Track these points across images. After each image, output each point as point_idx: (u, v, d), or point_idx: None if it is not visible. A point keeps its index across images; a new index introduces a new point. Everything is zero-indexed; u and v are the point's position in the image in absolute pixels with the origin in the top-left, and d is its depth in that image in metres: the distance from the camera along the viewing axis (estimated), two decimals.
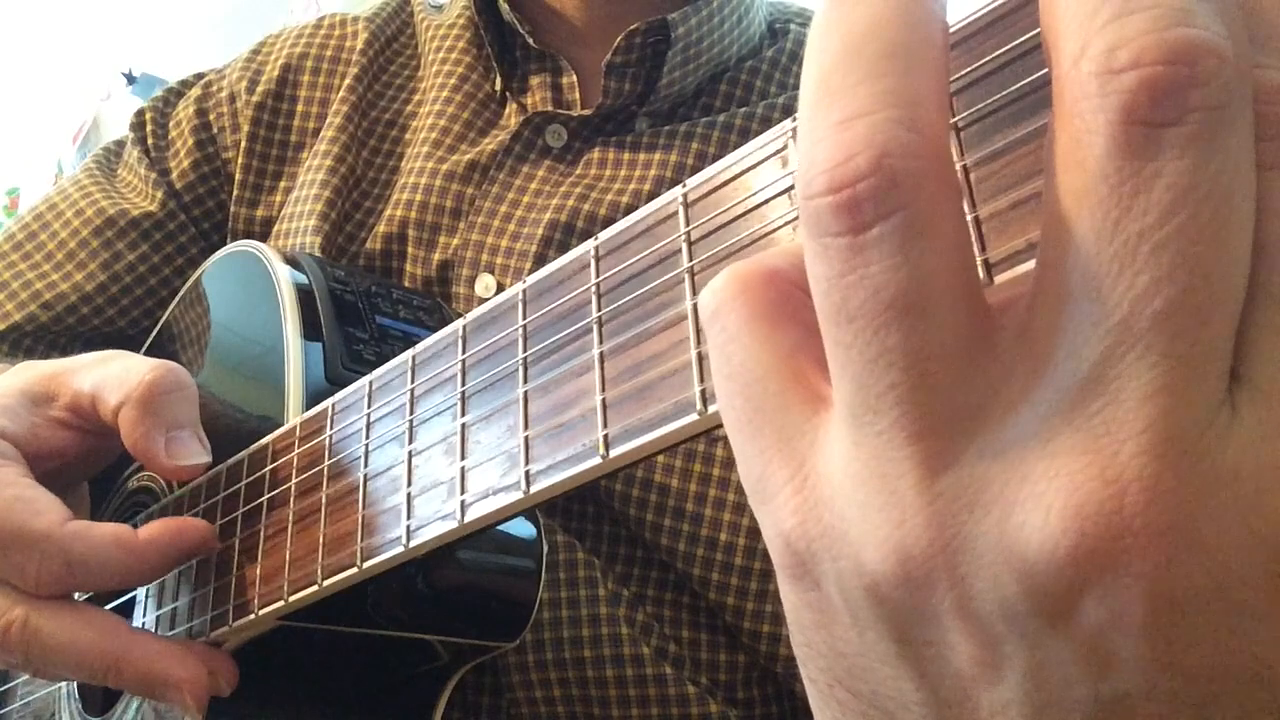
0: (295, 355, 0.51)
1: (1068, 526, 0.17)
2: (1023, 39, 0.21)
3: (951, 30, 0.22)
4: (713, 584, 0.57)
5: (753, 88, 0.68)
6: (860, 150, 0.18)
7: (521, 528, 0.52)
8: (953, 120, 0.22)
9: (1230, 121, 0.16)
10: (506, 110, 0.70)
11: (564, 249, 0.61)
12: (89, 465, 0.53)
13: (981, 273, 0.20)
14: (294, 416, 0.49)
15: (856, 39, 0.19)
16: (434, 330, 0.40)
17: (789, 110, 0.66)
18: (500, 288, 0.62)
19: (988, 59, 0.21)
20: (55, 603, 0.45)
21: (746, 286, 0.21)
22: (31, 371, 0.51)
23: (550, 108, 0.67)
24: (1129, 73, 0.16)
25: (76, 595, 0.57)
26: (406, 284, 0.64)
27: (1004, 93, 0.21)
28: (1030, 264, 0.20)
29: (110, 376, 0.48)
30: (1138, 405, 0.16)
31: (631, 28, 0.64)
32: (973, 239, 0.20)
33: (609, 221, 0.61)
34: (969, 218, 0.21)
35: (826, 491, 0.20)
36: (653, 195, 0.61)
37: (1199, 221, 0.16)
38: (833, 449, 0.20)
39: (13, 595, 0.45)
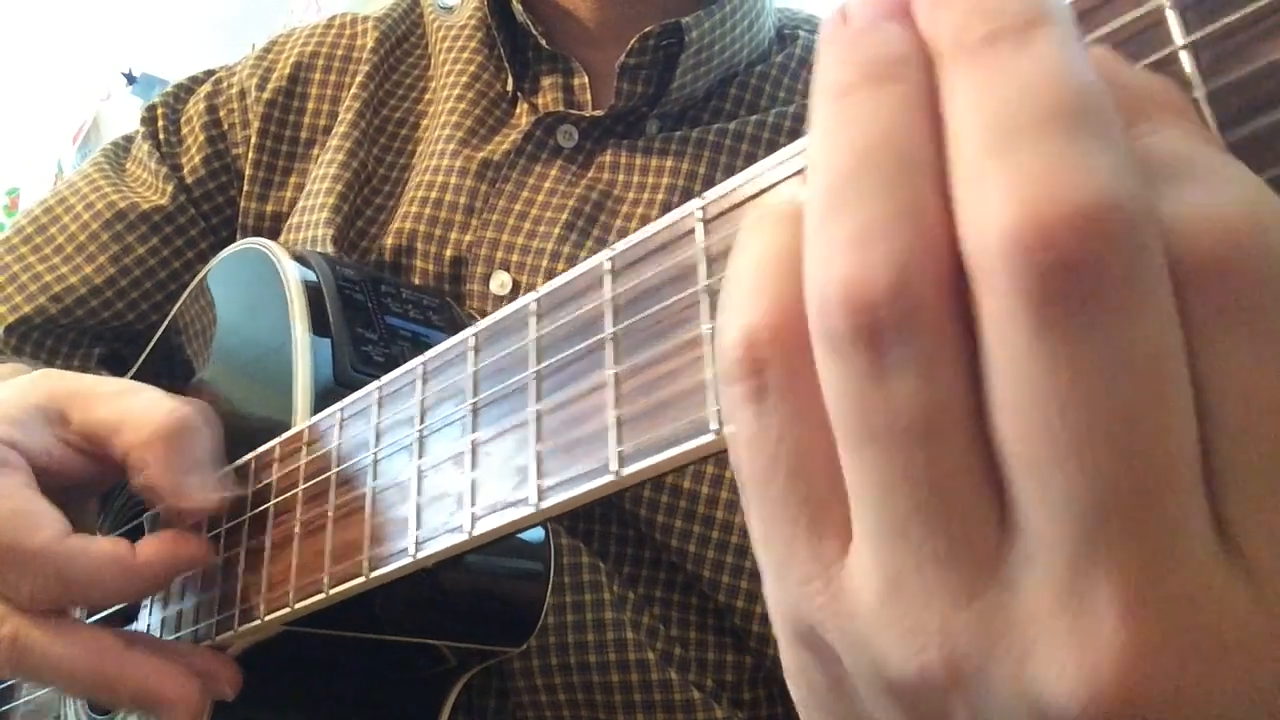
0: (303, 355, 0.51)
1: (1079, 689, 0.17)
2: None
3: None
4: (723, 586, 0.57)
5: (762, 92, 0.69)
6: (880, 272, 0.17)
7: (530, 531, 0.52)
8: None
9: (1148, 283, 0.16)
10: (518, 110, 0.70)
11: (580, 247, 0.62)
12: (94, 487, 0.52)
13: None
14: (301, 417, 0.48)
15: (868, 147, 0.18)
16: (443, 330, 0.39)
17: (800, 119, 0.66)
18: (516, 285, 0.62)
19: None
20: (49, 619, 0.44)
21: (790, 344, 0.20)
22: (50, 386, 0.50)
23: (561, 108, 0.67)
24: (1037, 254, 0.15)
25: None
26: (417, 280, 0.64)
27: None
28: None
29: (134, 410, 0.48)
30: (1123, 586, 0.16)
31: (645, 30, 0.64)
32: None
33: (624, 231, 0.61)
34: None
35: (850, 601, 0.20)
36: (668, 205, 0.61)
37: (1136, 396, 0.16)
38: (858, 558, 0.19)
39: (5, 609, 0.44)
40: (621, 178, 0.64)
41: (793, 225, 0.20)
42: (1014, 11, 0.17)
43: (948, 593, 0.18)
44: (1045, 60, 0.16)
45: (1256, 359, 0.16)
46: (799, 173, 0.26)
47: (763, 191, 0.27)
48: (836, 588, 0.20)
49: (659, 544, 0.58)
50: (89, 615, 0.56)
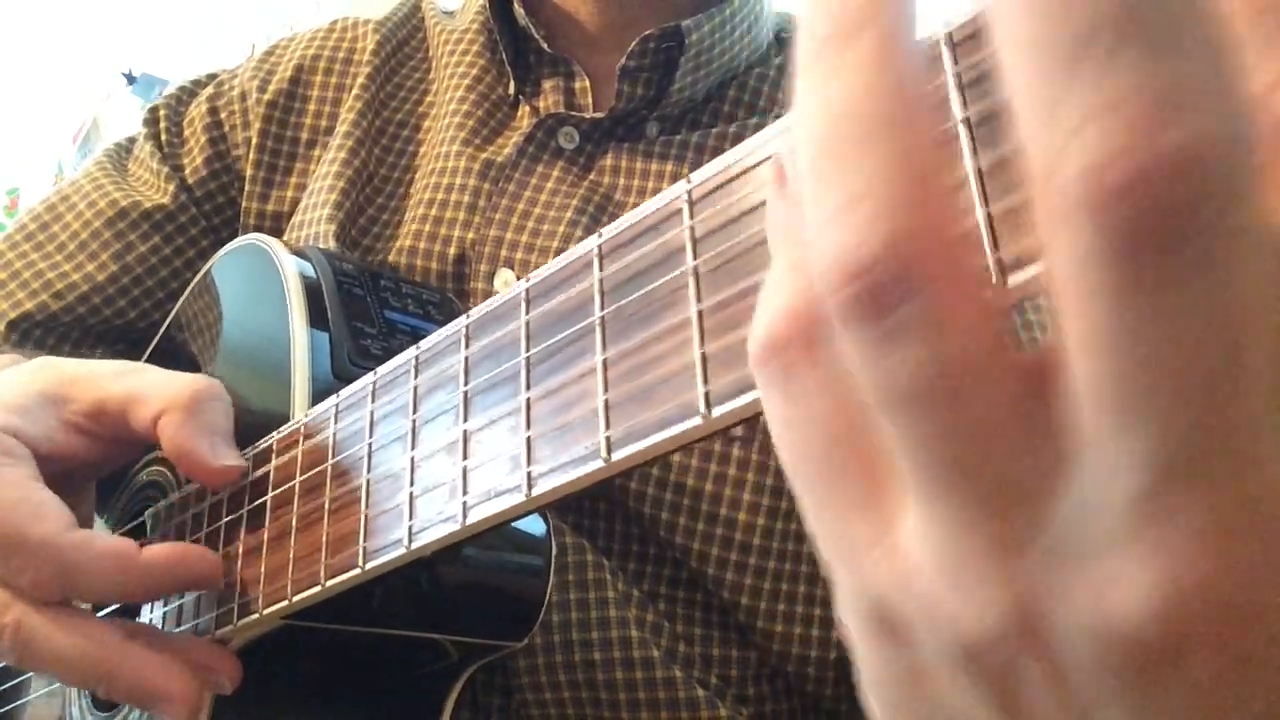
0: (301, 349, 0.51)
1: (1163, 604, 0.16)
2: None
3: (961, 24, 0.21)
4: (727, 583, 0.57)
5: (761, 94, 0.69)
6: (867, 235, 0.17)
7: (530, 525, 0.52)
8: (964, 115, 0.21)
9: (1244, 223, 0.15)
10: (519, 113, 0.70)
11: None
12: (97, 470, 0.52)
13: (994, 273, 0.20)
14: (300, 411, 0.48)
15: (838, 117, 0.18)
16: (443, 325, 0.39)
17: None
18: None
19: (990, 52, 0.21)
20: (51, 609, 0.44)
21: (819, 338, 0.20)
22: (51, 372, 0.51)
23: (562, 110, 0.68)
24: (1123, 201, 0.14)
25: None
26: (420, 278, 0.64)
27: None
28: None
29: (147, 384, 0.48)
30: (1210, 502, 0.16)
31: (646, 33, 0.65)
32: (985, 239, 0.20)
33: None
34: (980, 215, 0.20)
35: (913, 563, 0.19)
36: None
37: (1226, 349, 0.15)
38: (911, 520, 0.19)
39: (9, 597, 0.44)
40: (622, 181, 0.65)
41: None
42: None
43: (1007, 539, 0.18)
44: None
45: None
46: None
47: (748, 170, 0.27)
48: (899, 552, 0.20)
49: (663, 541, 0.57)
50: (95, 611, 0.56)
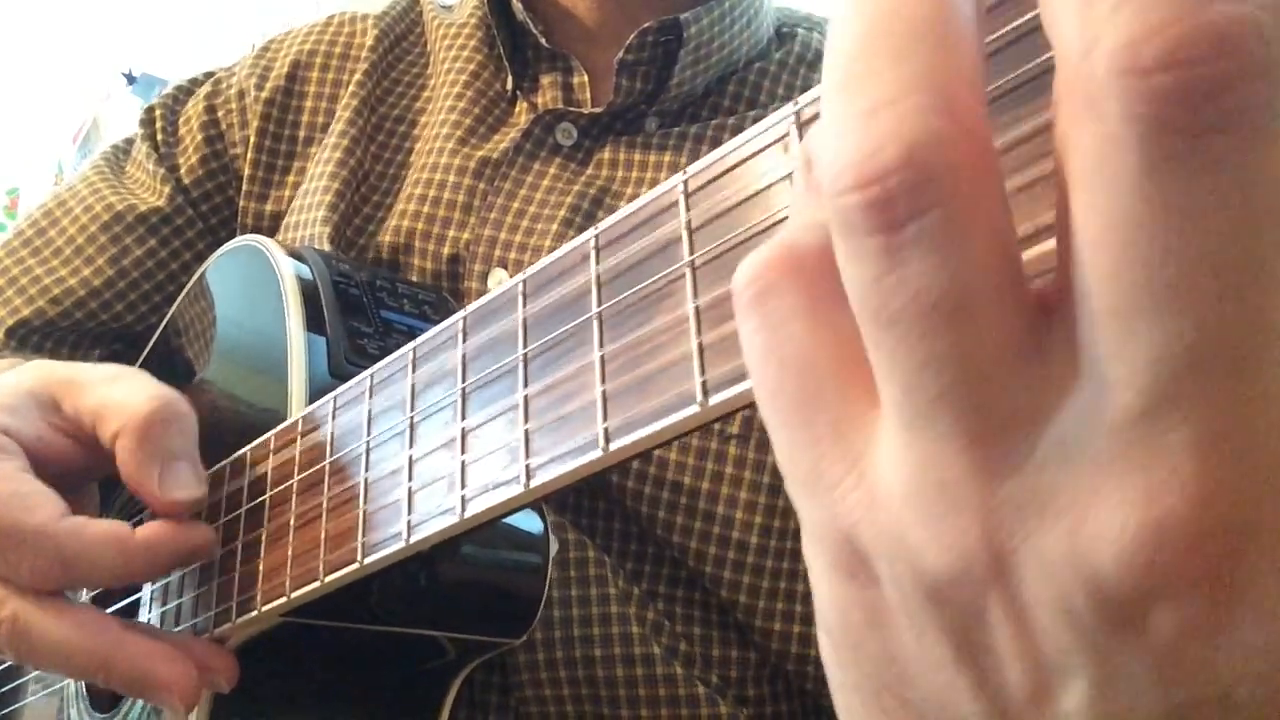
0: (298, 349, 0.51)
1: (1145, 538, 0.16)
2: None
3: None
4: (724, 582, 0.57)
5: (761, 88, 0.68)
6: (888, 142, 0.16)
7: (528, 522, 0.52)
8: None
9: None
10: (517, 109, 0.70)
11: None
12: (91, 473, 0.52)
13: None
14: (297, 411, 0.48)
15: (879, 19, 0.17)
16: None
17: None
18: None
19: (1021, 21, 0.20)
20: (47, 600, 0.44)
21: (803, 265, 0.20)
22: (41, 374, 0.50)
23: (560, 106, 0.67)
24: (1159, 75, 0.14)
25: (84, 593, 0.57)
26: (415, 278, 0.64)
27: (1037, 61, 0.20)
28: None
29: (112, 401, 0.48)
30: (1204, 428, 0.15)
31: (644, 26, 0.64)
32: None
33: None
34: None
35: (883, 491, 0.19)
36: None
37: (1254, 240, 0.14)
38: (885, 449, 0.19)
39: (5, 591, 0.44)
40: (620, 173, 0.64)
41: None
42: None
43: (985, 468, 0.17)
44: None
45: None
46: (780, 140, 0.26)
47: (744, 161, 0.27)
48: (869, 482, 0.19)
49: (661, 540, 0.57)
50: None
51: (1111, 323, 0.16)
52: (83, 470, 0.51)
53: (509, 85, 0.70)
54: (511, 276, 0.61)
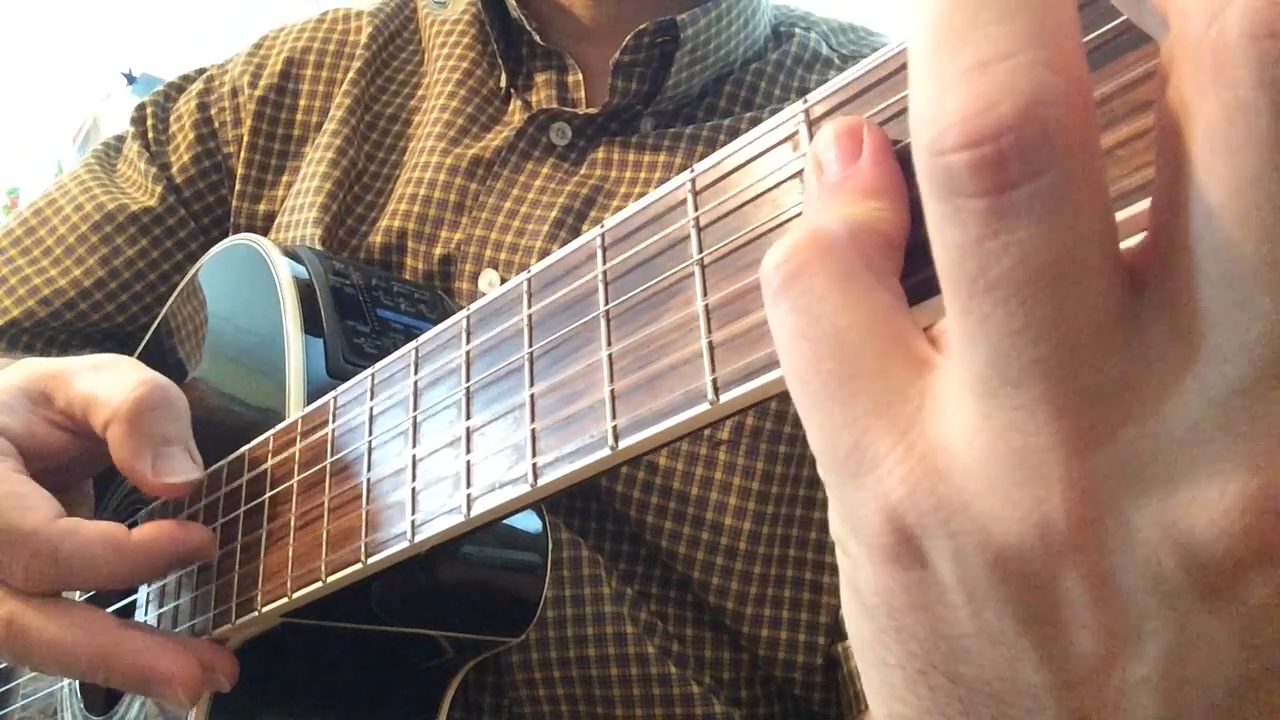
0: (295, 349, 0.51)
1: (1246, 506, 0.16)
2: None
3: None
4: (712, 587, 0.57)
5: (758, 89, 0.68)
6: (1003, 98, 0.15)
7: (528, 521, 0.52)
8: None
9: None
10: (510, 107, 0.70)
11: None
12: (87, 466, 0.52)
13: None
14: (295, 410, 0.48)
15: None
16: (436, 323, 0.39)
17: None
18: (504, 283, 0.62)
19: None
20: (44, 601, 0.44)
21: (832, 246, 0.20)
22: (31, 369, 0.50)
23: (555, 105, 0.67)
24: None
25: (80, 594, 0.57)
26: (407, 278, 0.64)
27: (1109, 26, 0.19)
28: (1143, 204, 0.18)
29: (101, 389, 0.47)
30: None
31: (640, 27, 0.64)
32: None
33: None
34: None
35: (941, 461, 0.18)
36: None
37: None
38: (950, 417, 0.18)
39: (1, 593, 0.44)
40: (614, 173, 0.64)
41: None
42: None
43: (1073, 438, 0.17)
44: None
45: None
46: (789, 139, 0.26)
47: (751, 160, 0.27)
48: (919, 452, 0.19)
49: (651, 544, 0.57)
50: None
51: (1226, 292, 0.15)
52: (80, 463, 0.50)
53: (503, 83, 0.70)
54: (501, 277, 0.62)
